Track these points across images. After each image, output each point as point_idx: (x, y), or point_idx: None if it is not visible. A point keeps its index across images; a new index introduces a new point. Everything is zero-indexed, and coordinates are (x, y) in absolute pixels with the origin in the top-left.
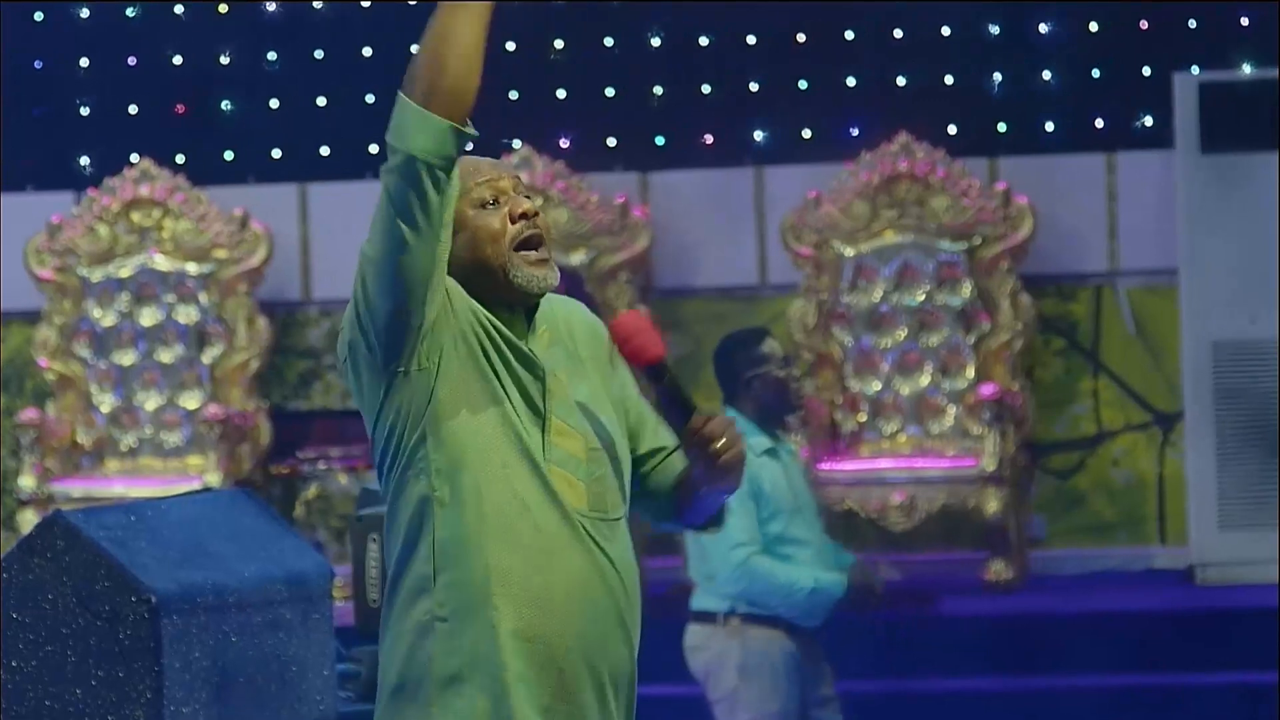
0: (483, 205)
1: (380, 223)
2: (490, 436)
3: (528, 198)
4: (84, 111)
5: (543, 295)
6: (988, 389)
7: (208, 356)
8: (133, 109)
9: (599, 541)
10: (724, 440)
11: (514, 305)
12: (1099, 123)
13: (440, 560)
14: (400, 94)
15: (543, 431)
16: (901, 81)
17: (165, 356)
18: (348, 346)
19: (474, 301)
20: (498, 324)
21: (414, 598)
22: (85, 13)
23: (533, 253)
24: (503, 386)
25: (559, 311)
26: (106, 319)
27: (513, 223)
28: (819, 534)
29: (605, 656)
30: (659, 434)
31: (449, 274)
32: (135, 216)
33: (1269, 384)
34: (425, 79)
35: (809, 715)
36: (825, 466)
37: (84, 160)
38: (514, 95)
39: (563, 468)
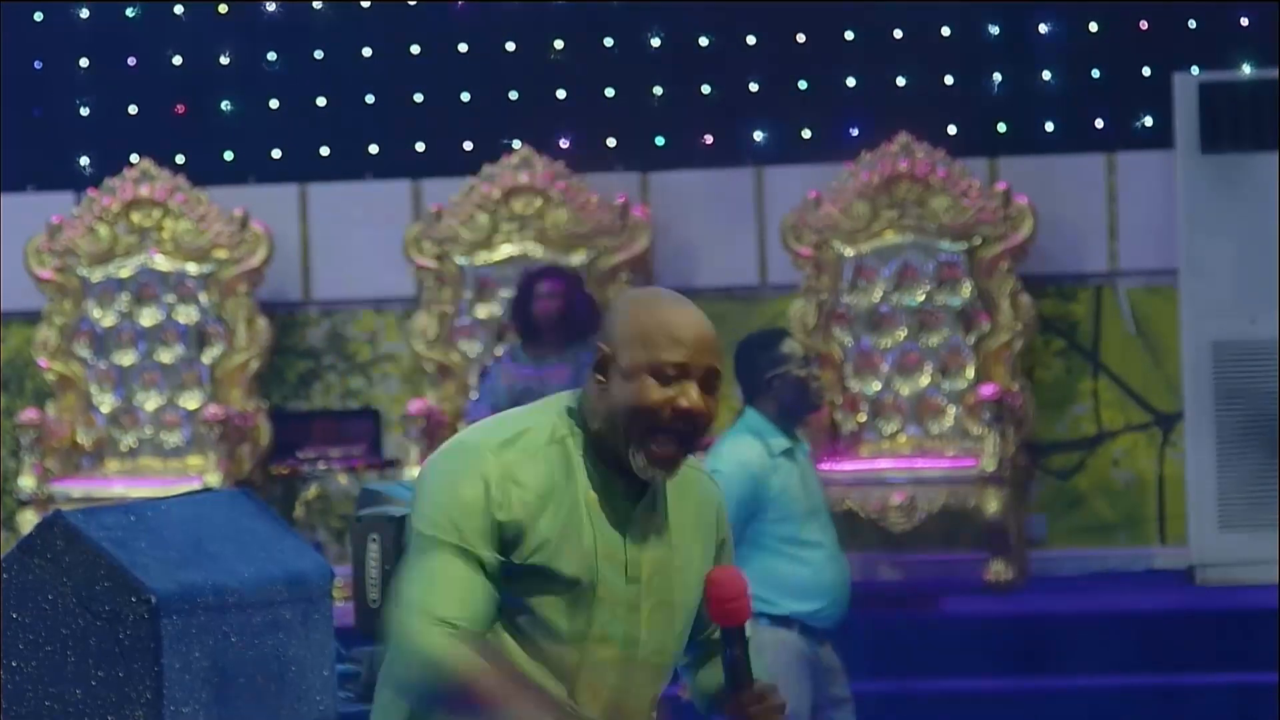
0: (656, 373)
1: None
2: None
3: (709, 388)
4: (84, 112)
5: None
6: (988, 389)
7: (208, 357)
8: (133, 109)
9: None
10: None
11: (629, 470)
12: (1099, 123)
13: None
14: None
15: (585, 638)
16: (901, 82)
17: (165, 357)
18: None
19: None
20: (591, 506)
21: None
22: (85, 13)
23: (668, 447)
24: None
25: (687, 478)
26: (107, 319)
27: (670, 410)
28: (832, 537)
29: None
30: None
31: (601, 401)
32: (135, 217)
33: (1269, 384)
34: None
35: (821, 716)
36: (825, 467)
37: (84, 160)
38: (514, 95)
39: (591, 675)
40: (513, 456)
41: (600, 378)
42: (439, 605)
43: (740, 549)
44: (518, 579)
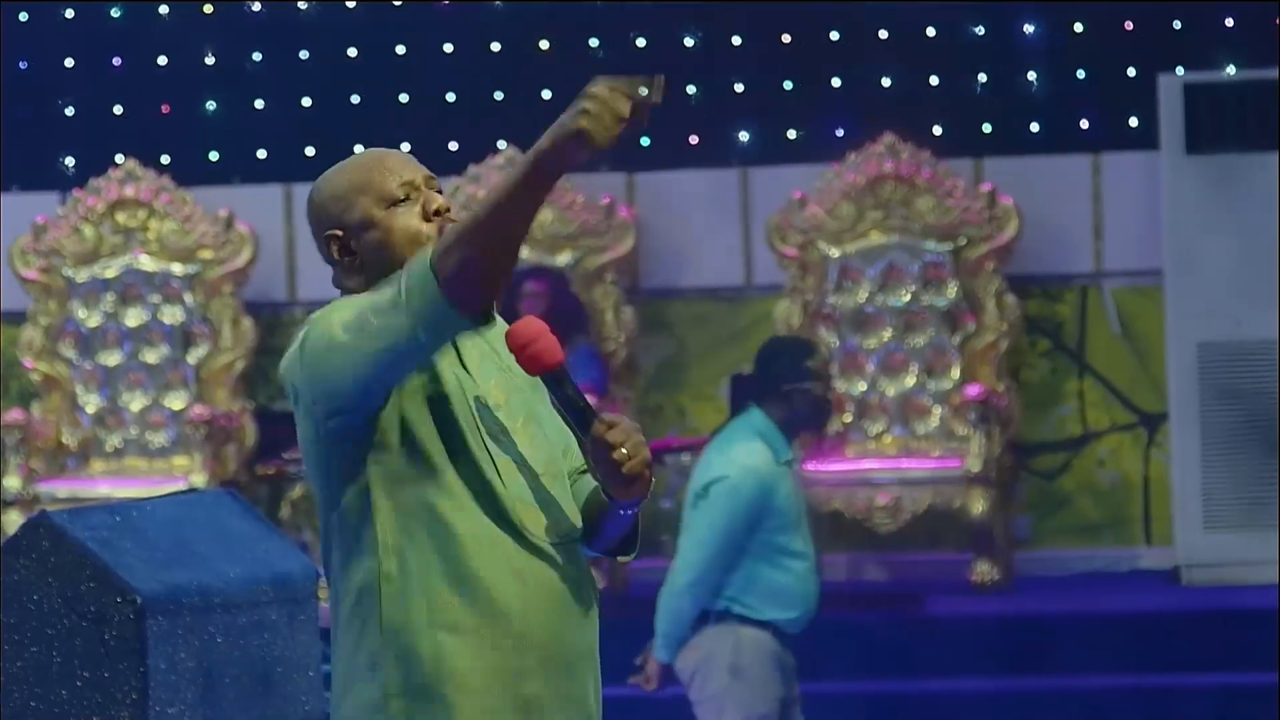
0: (393, 203)
1: (374, 335)
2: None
3: (439, 192)
4: (69, 112)
5: None
6: (973, 390)
7: (193, 357)
8: (118, 109)
9: (563, 564)
10: (627, 446)
11: None
12: (1084, 124)
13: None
14: (429, 265)
15: (496, 468)
16: (887, 82)
17: (150, 357)
18: (294, 392)
19: None
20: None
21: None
22: (70, 13)
23: None
24: (452, 436)
25: None
26: (92, 319)
27: (427, 221)
28: (812, 547)
29: (574, 683)
30: (575, 454)
31: (361, 277)
32: (120, 217)
33: (1255, 384)
34: (470, 269)
35: (788, 713)
36: (811, 467)
37: (69, 161)
38: (499, 96)
39: (524, 499)
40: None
41: (348, 258)
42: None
43: (738, 557)
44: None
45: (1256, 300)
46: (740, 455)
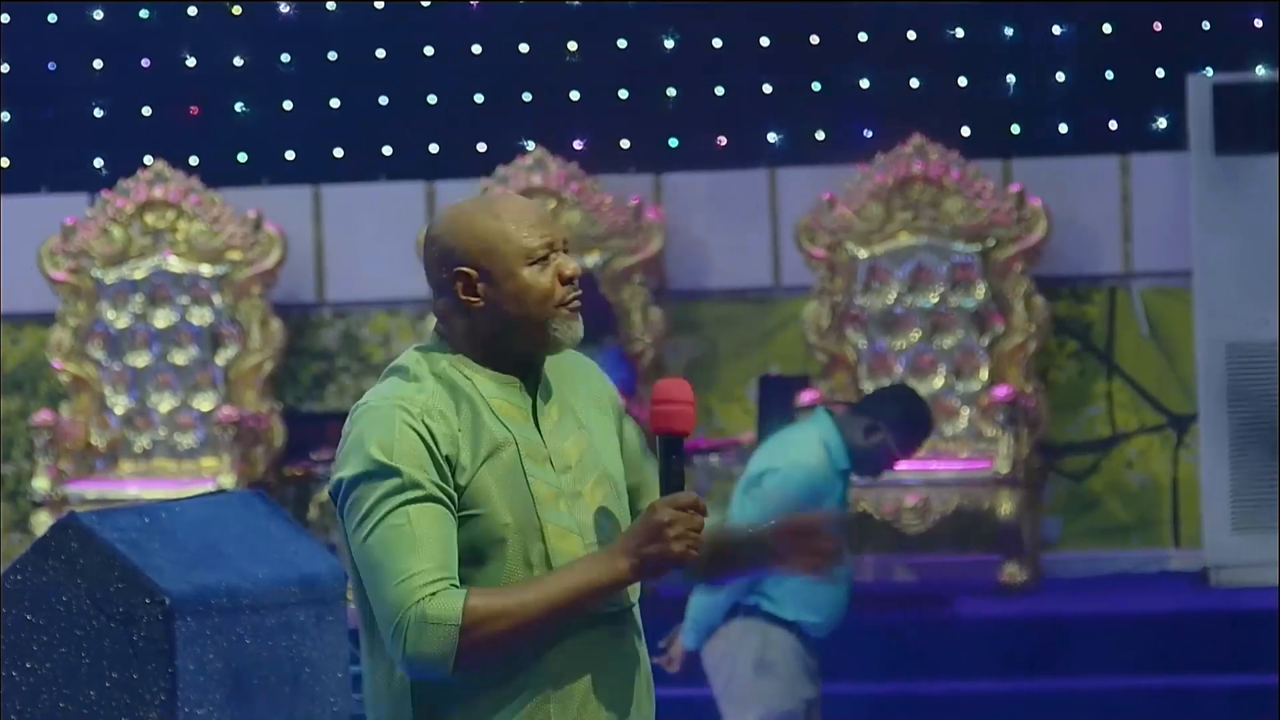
0: (534, 261)
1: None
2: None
3: (565, 249)
4: (98, 113)
5: (569, 347)
6: (1001, 391)
7: (221, 358)
8: (146, 111)
9: (613, 635)
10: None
11: (531, 360)
12: (1113, 124)
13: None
14: (455, 646)
15: (542, 540)
16: (915, 83)
17: (179, 358)
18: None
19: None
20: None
21: None
22: (99, 14)
23: (575, 307)
24: (495, 507)
25: (571, 370)
26: (120, 321)
27: (562, 284)
28: (847, 554)
29: None
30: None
31: (474, 320)
32: (149, 218)
33: None
34: (499, 657)
35: (813, 713)
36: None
37: (98, 162)
38: (527, 97)
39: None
40: (418, 397)
41: (471, 299)
42: (423, 570)
43: None
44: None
45: None
46: (796, 452)
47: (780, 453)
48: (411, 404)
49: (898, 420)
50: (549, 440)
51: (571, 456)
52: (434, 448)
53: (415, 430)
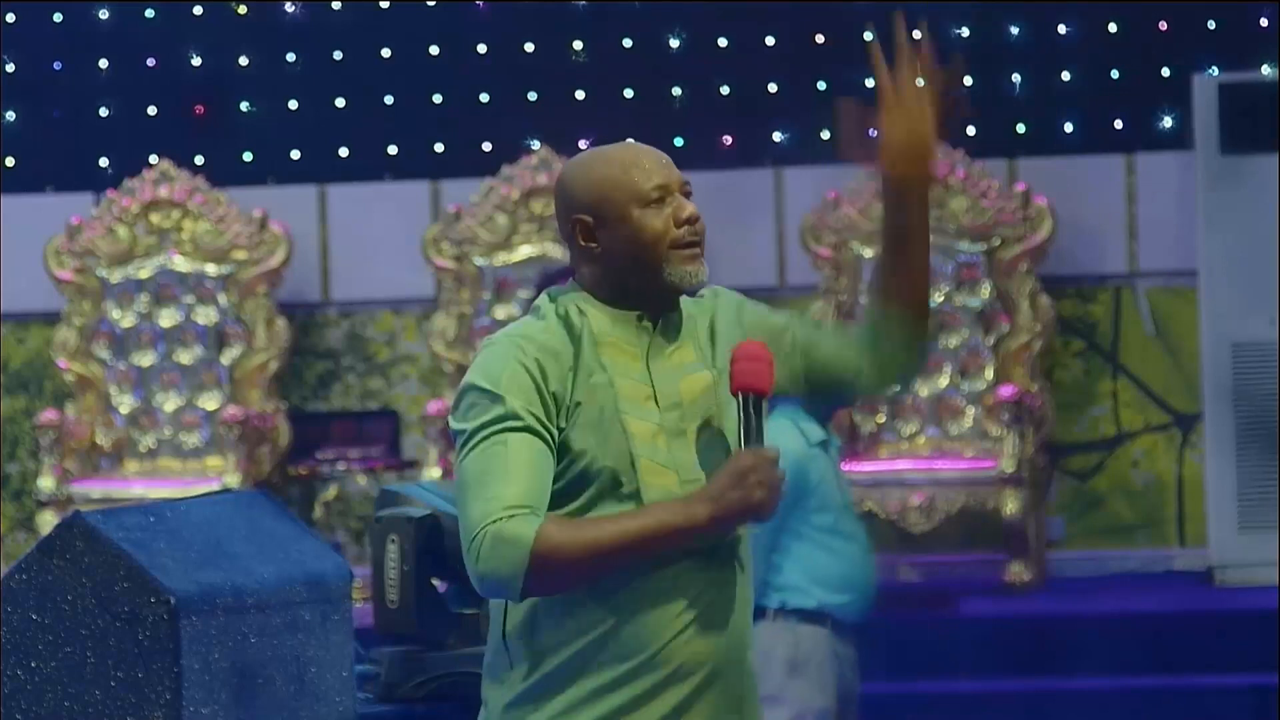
0: (647, 204)
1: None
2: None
3: (688, 194)
4: (103, 113)
5: (692, 290)
6: (1007, 390)
7: (227, 358)
8: (152, 110)
9: (693, 573)
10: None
11: (653, 305)
12: (1118, 124)
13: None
14: (526, 563)
15: (635, 473)
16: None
17: (184, 358)
18: None
19: (576, 339)
20: (602, 359)
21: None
22: (104, 14)
23: (693, 250)
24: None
25: (718, 308)
26: (126, 320)
27: (677, 226)
28: (863, 533)
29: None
30: (820, 330)
31: (598, 267)
32: (154, 218)
33: None
34: (565, 587)
35: (846, 711)
36: (844, 468)
37: (103, 161)
38: (533, 96)
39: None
40: (537, 336)
41: (590, 244)
42: (507, 494)
43: (780, 538)
44: (558, 450)
45: None
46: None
47: None
48: (529, 341)
49: None
50: (658, 379)
51: (684, 395)
52: (542, 385)
53: (526, 366)
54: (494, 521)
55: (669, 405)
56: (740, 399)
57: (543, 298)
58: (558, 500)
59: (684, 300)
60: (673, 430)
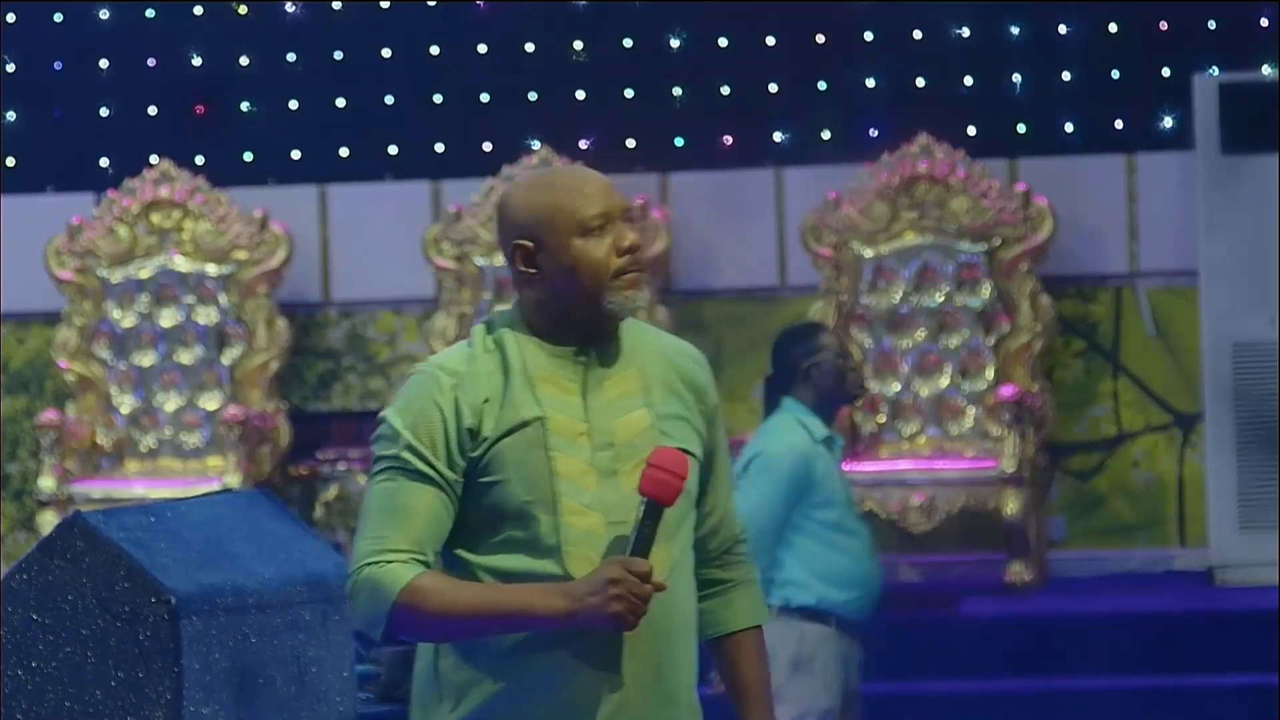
0: (589, 231)
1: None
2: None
3: (629, 220)
4: (104, 113)
5: (626, 317)
6: (1007, 390)
7: (227, 358)
8: (152, 110)
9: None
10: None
11: (590, 335)
12: (1119, 124)
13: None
14: (388, 612)
15: (555, 514)
16: (921, 83)
17: (185, 358)
18: None
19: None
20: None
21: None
22: (104, 14)
23: (632, 278)
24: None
25: (663, 353)
26: (126, 320)
27: (619, 255)
28: (867, 531)
29: None
30: (717, 518)
31: (538, 291)
32: (155, 218)
33: None
34: (418, 640)
35: (849, 711)
36: (845, 468)
37: (104, 161)
38: (533, 96)
39: (579, 547)
40: (460, 368)
41: (530, 270)
42: (393, 538)
43: (784, 533)
44: (475, 482)
45: None
46: (773, 433)
47: (761, 440)
48: (449, 374)
49: (803, 347)
50: (592, 416)
51: (618, 435)
52: (452, 424)
53: (439, 404)
54: (372, 564)
55: (602, 444)
56: (642, 503)
57: (478, 325)
58: (477, 534)
59: (635, 332)
60: (604, 470)
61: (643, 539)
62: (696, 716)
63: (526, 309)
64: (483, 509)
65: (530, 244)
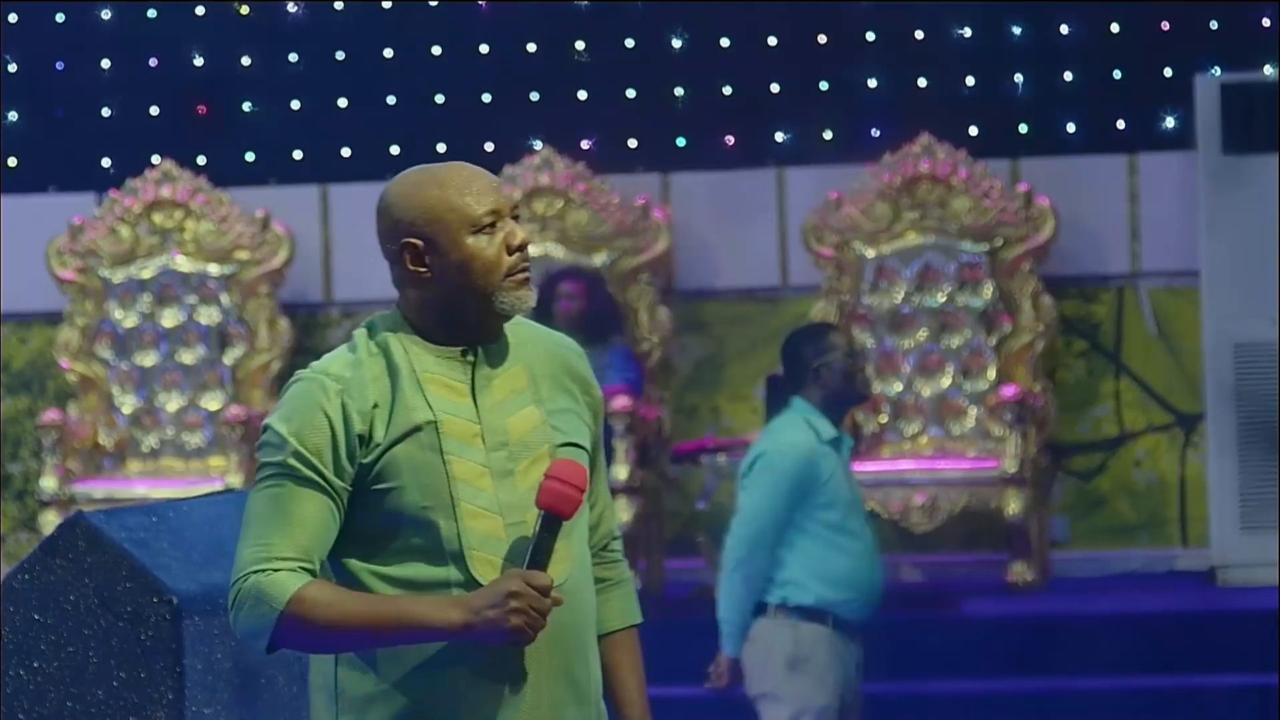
0: (479, 229)
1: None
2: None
3: (515, 216)
4: (105, 113)
5: (518, 315)
6: (1009, 390)
7: (229, 358)
8: (154, 110)
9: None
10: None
11: (482, 331)
12: (1120, 124)
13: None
14: (275, 621)
15: (455, 518)
16: (923, 83)
17: (187, 358)
18: None
19: (377, 376)
20: (413, 403)
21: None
22: (106, 14)
23: (523, 276)
24: (404, 481)
25: (545, 348)
26: (128, 320)
27: (509, 254)
28: (871, 533)
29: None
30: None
31: (426, 291)
32: (157, 218)
33: None
34: (305, 649)
35: (848, 713)
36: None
37: (105, 161)
38: (535, 96)
39: (480, 550)
40: (344, 374)
41: (419, 269)
42: (279, 545)
43: (786, 532)
44: (368, 490)
45: None
46: (778, 432)
47: (767, 439)
48: (334, 379)
49: (812, 347)
50: (485, 416)
51: (511, 434)
52: (341, 430)
53: (325, 410)
54: (257, 571)
55: (496, 444)
56: (541, 515)
57: (359, 329)
58: (372, 542)
59: (517, 328)
60: (499, 471)
61: (541, 550)
62: (603, 716)
63: (410, 309)
64: (377, 516)
65: (419, 242)
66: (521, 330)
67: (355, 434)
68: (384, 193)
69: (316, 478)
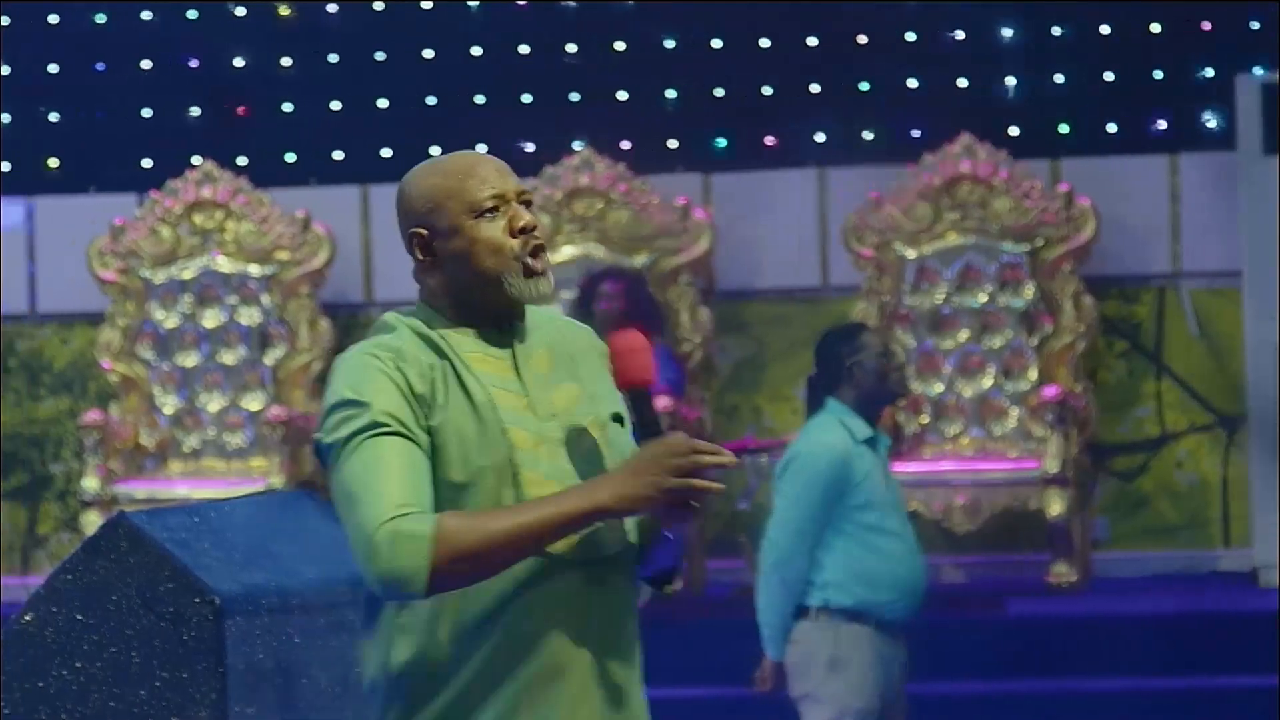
0: (481, 213)
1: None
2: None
3: (526, 203)
4: (146, 114)
5: (534, 304)
6: (1050, 391)
7: (270, 358)
8: (194, 111)
9: (583, 582)
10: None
11: (499, 318)
12: (1161, 124)
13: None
14: (428, 565)
15: (515, 485)
16: (963, 83)
17: (228, 358)
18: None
19: (442, 351)
20: (468, 370)
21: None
22: (147, 15)
23: (533, 261)
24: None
25: (562, 330)
26: (169, 321)
27: (513, 236)
28: (911, 533)
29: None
30: None
31: (439, 278)
32: (198, 218)
33: None
34: (472, 579)
35: (891, 714)
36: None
37: (146, 162)
38: (575, 97)
39: None
40: (392, 344)
41: (426, 258)
42: (396, 494)
43: (824, 534)
44: (430, 457)
45: None
46: (813, 433)
47: (802, 440)
48: (384, 349)
49: (846, 346)
50: (532, 389)
51: (559, 404)
52: (406, 389)
53: (386, 373)
54: (390, 519)
55: (546, 414)
56: (629, 393)
57: (387, 316)
58: (438, 502)
59: (533, 315)
60: (553, 440)
61: (648, 426)
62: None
63: (432, 298)
64: (438, 485)
65: (425, 231)
66: (538, 315)
67: (418, 394)
68: (399, 187)
69: (404, 429)
